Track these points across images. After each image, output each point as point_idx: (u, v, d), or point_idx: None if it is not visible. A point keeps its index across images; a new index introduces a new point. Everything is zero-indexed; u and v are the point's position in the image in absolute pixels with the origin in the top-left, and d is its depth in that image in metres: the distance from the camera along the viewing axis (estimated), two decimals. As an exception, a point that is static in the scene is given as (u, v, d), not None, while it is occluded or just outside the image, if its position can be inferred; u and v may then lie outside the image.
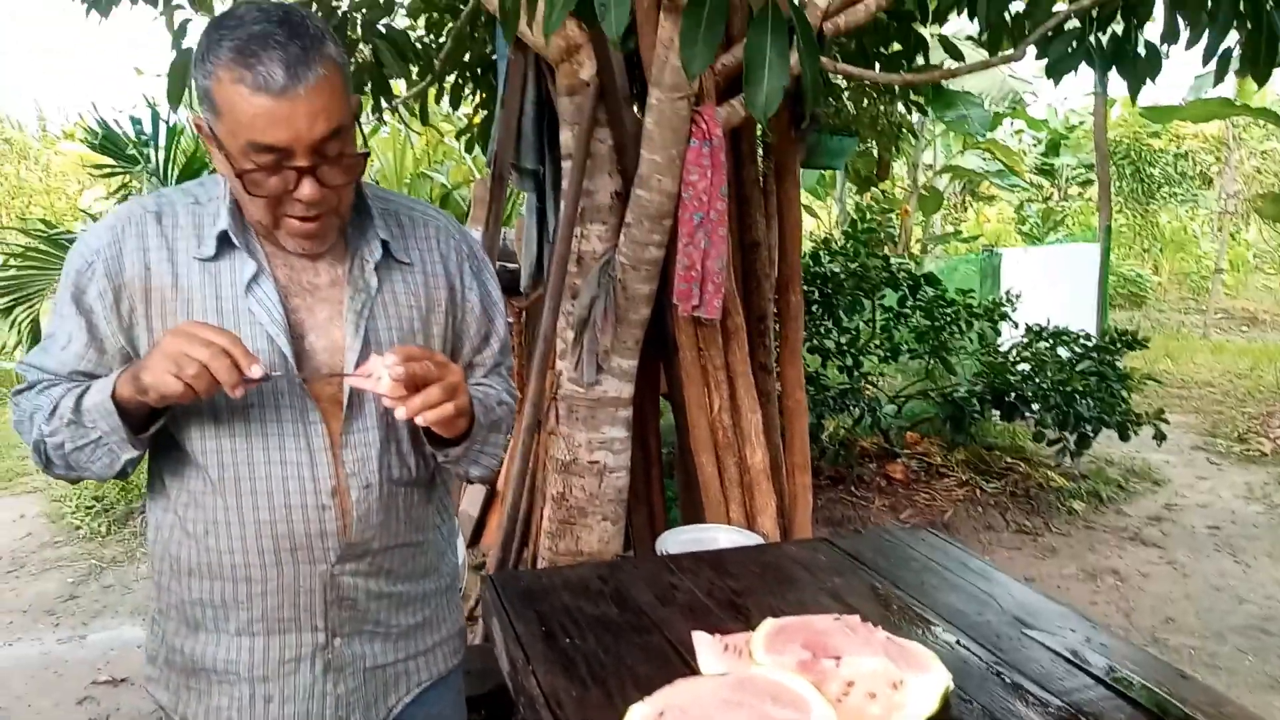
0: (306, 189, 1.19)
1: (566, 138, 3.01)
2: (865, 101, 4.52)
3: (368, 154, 1.29)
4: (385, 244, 1.37)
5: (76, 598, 4.32)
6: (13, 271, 5.69)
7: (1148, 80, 2.51)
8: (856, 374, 5.68)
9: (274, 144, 1.15)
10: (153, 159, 5.71)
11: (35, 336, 5.63)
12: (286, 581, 1.33)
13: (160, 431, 1.31)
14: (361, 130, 1.24)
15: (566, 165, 3.02)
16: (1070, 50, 2.48)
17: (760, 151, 3.53)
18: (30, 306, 5.55)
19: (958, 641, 1.43)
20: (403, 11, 4.68)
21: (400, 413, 1.20)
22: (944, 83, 7.18)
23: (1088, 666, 1.35)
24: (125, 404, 1.21)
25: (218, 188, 1.32)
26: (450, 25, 4.47)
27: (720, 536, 2.77)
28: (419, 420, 1.21)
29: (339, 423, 1.32)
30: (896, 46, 3.98)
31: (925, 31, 4.02)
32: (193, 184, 1.37)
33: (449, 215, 1.52)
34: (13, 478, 6.12)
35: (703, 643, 1.36)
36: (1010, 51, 2.46)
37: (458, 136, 7.15)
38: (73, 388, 1.29)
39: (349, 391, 1.31)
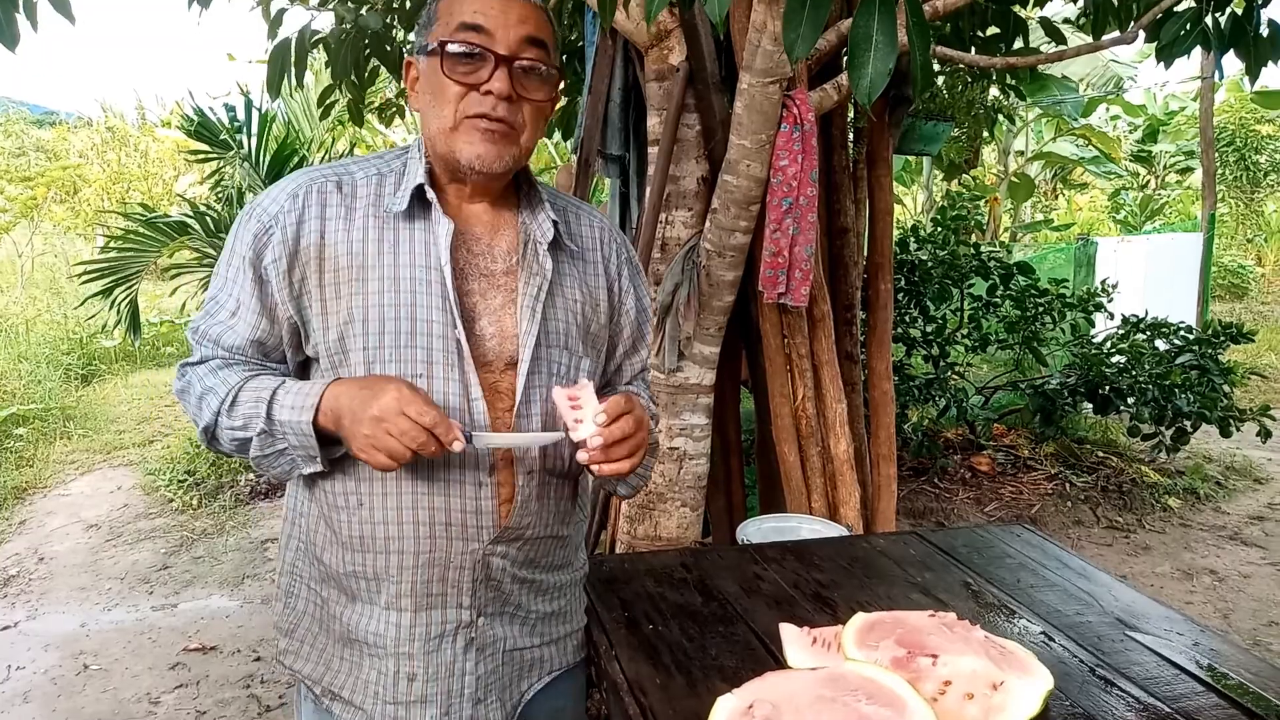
0: (499, 82, 1.24)
1: (654, 123, 2.99)
2: (959, 86, 4.40)
3: (562, 74, 1.34)
4: (555, 225, 1.36)
5: (169, 568, 4.47)
6: (113, 254, 5.86)
7: (1270, 63, 2.39)
8: (943, 364, 5.56)
9: (482, 25, 1.24)
10: (245, 145, 5.86)
11: (134, 316, 5.82)
12: (438, 556, 1.32)
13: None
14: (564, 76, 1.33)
15: (653, 151, 3.00)
16: (1184, 32, 2.36)
17: (850, 137, 3.47)
18: (129, 287, 5.71)
19: (1056, 641, 1.38)
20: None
21: (593, 466, 1.25)
22: (1041, 67, 6.97)
23: (1196, 671, 1.29)
24: (321, 429, 1.25)
25: (396, 160, 1.35)
26: (537, 11, 4.47)
27: (802, 526, 2.74)
28: (594, 470, 1.26)
29: (504, 405, 1.32)
30: (993, 29, 3.86)
31: (1024, 13, 3.89)
32: (369, 157, 1.39)
33: (596, 212, 1.52)
34: (111, 450, 6.37)
35: (790, 635, 1.34)
36: (1119, 34, 2.36)
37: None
38: (251, 378, 1.30)
39: (523, 382, 1.30)
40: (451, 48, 1.23)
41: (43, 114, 20.17)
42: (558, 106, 5.06)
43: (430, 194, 1.29)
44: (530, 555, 1.40)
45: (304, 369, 1.37)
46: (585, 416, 1.21)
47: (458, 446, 1.17)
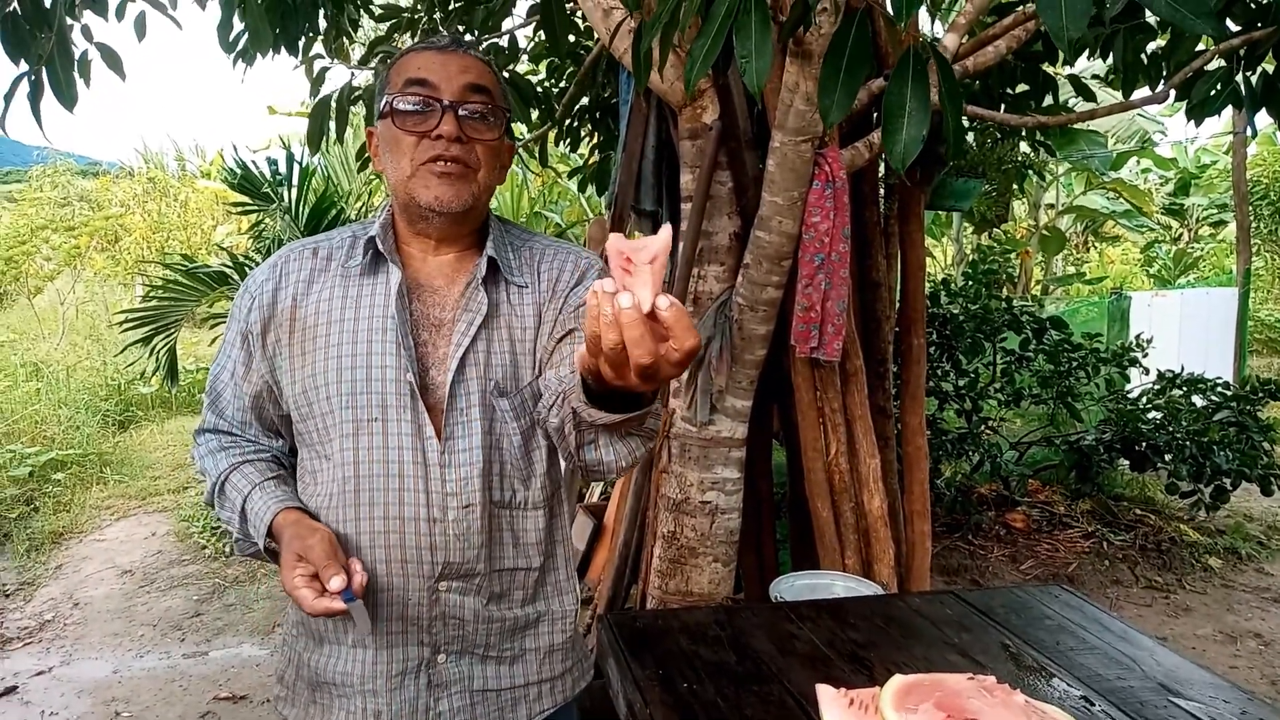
0: (447, 125, 1.31)
1: (687, 180, 3.03)
2: (989, 142, 4.42)
3: (509, 111, 1.39)
4: (493, 260, 1.39)
5: (200, 615, 4.49)
6: (154, 303, 5.96)
7: (1302, 121, 2.39)
8: (975, 418, 5.51)
9: (426, 79, 1.32)
10: (286, 197, 5.97)
11: (172, 364, 5.91)
12: (396, 594, 1.35)
13: (291, 449, 1.45)
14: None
15: (686, 207, 3.03)
16: (1215, 91, 2.37)
17: (882, 192, 3.49)
18: (168, 336, 5.80)
19: (1097, 707, 1.36)
20: (525, 57, 4.80)
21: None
22: (1070, 121, 7.01)
23: (1243, 743, 1.27)
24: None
25: (374, 225, 1.41)
26: (571, 69, 4.57)
27: (836, 584, 2.71)
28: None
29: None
30: (1023, 86, 3.89)
31: (1053, 71, 3.92)
32: (352, 224, 1.48)
33: (571, 244, 1.54)
34: (146, 496, 6.44)
35: (827, 697, 1.33)
36: (1149, 92, 2.37)
37: (570, 176, 7.28)
38: (233, 473, 1.39)
39: (445, 419, 1.34)
40: (400, 104, 1.32)
41: (87, 164, 20.67)
42: (589, 162, 5.16)
43: (382, 245, 1.37)
44: (492, 590, 1.41)
45: (291, 424, 1.44)
46: (635, 286, 0.87)
47: (338, 606, 1.20)
